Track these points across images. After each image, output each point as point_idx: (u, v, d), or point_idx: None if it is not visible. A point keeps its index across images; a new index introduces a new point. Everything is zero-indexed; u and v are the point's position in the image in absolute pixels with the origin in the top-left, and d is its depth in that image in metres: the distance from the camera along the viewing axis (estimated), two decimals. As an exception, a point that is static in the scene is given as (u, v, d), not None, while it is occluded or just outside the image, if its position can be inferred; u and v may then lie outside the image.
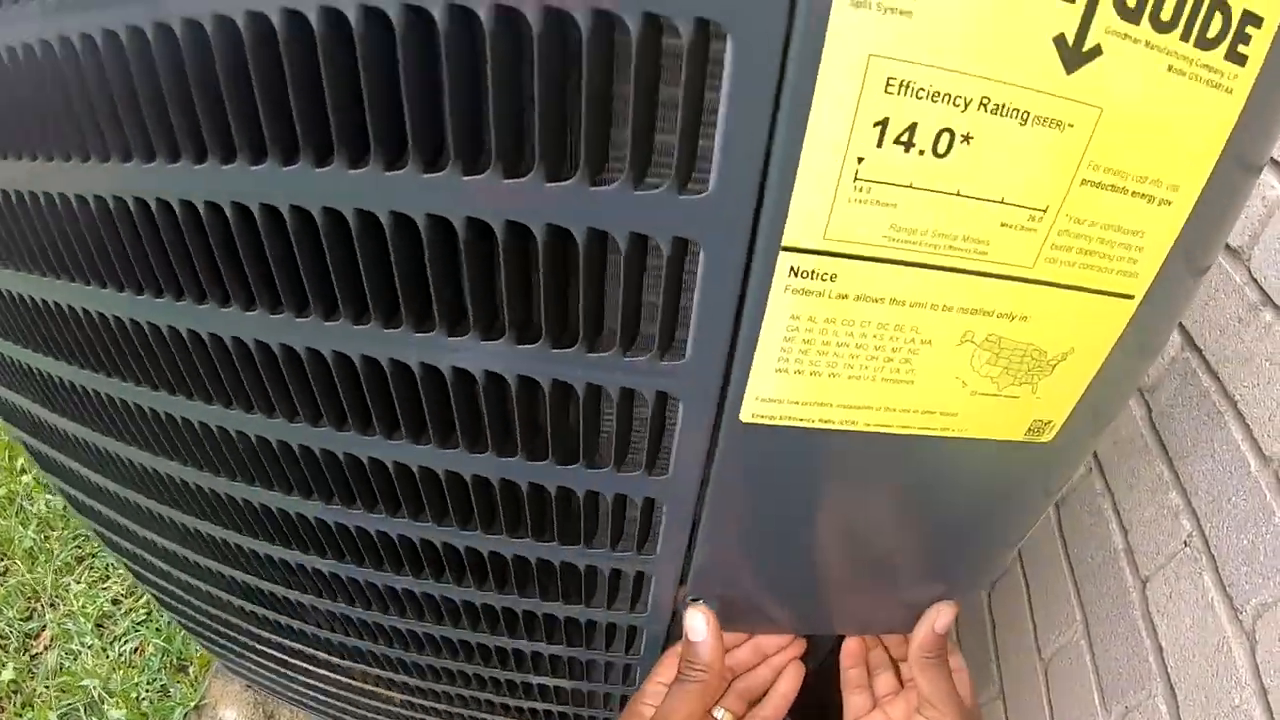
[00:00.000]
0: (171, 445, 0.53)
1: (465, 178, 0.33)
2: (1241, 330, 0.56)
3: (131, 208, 0.40)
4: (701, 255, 0.34)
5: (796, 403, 0.38)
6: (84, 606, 1.62)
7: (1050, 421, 0.42)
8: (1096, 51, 0.31)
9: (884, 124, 0.31)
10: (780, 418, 0.39)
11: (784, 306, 0.35)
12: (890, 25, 0.29)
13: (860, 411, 0.39)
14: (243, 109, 0.33)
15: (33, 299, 0.52)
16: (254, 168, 0.35)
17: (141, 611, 1.62)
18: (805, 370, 0.37)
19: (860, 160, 0.32)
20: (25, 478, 1.89)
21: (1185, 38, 0.31)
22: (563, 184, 0.32)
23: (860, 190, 0.32)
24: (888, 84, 0.30)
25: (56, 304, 0.50)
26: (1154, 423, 0.63)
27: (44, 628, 1.60)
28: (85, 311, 0.48)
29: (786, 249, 0.34)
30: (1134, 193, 0.34)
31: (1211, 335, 0.59)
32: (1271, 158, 0.53)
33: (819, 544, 0.47)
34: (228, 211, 0.37)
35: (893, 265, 0.34)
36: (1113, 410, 0.45)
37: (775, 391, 0.38)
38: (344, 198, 0.34)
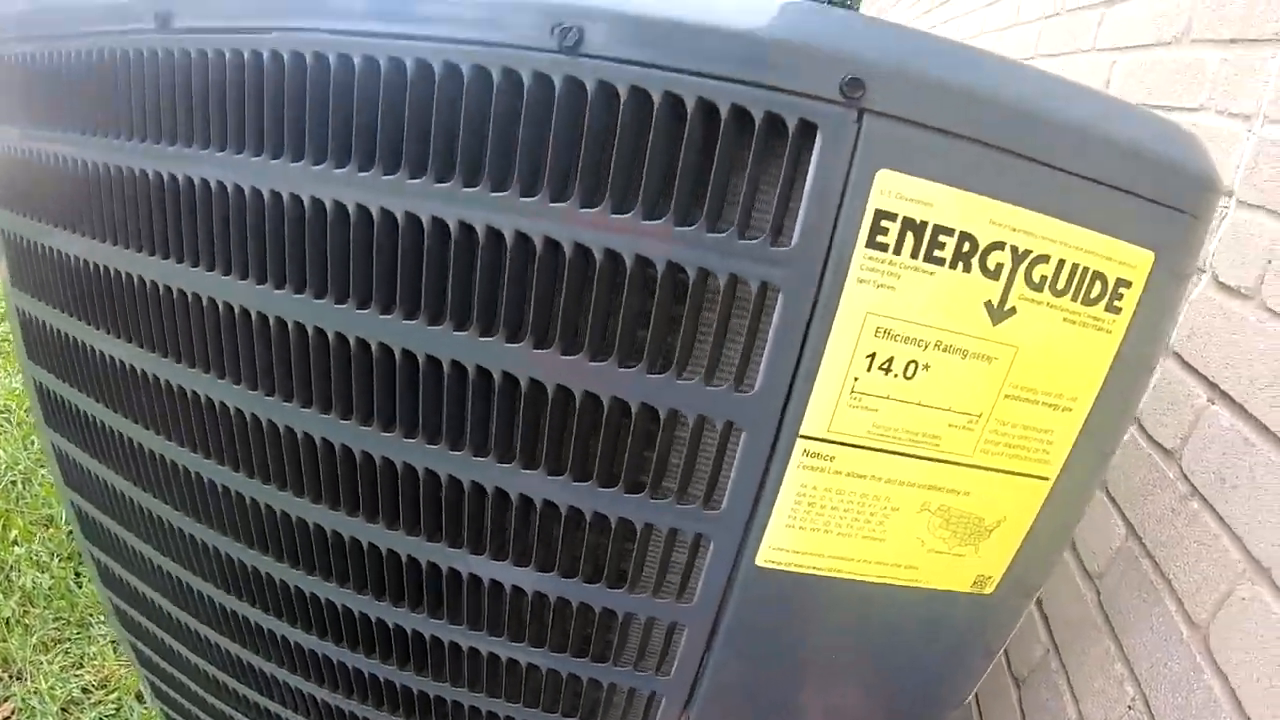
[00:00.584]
0: (224, 519, 0.64)
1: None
2: (1174, 519, 0.74)
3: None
4: (743, 436, 0.50)
5: (799, 552, 0.53)
6: (52, 688, 1.64)
7: (991, 576, 0.57)
8: (1013, 311, 0.49)
9: (873, 356, 0.48)
10: (785, 564, 0.54)
11: (797, 478, 0.51)
12: (881, 295, 0.47)
13: (846, 562, 0.54)
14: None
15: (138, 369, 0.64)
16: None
17: (110, 705, 1.64)
18: (808, 527, 0.52)
19: (856, 379, 0.49)
20: (18, 549, 1.95)
21: (1074, 299, 0.50)
22: (661, 376, 0.48)
23: (855, 399, 0.49)
24: (877, 331, 0.48)
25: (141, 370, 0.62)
26: (1102, 604, 0.79)
27: (7, 699, 1.63)
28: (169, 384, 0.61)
29: (803, 436, 0.50)
30: (1043, 403, 0.52)
31: (1150, 524, 0.76)
32: (1196, 370, 0.72)
33: (807, 680, 0.60)
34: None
35: (874, 451, 0.51)
36: (1040, 572, 0.61)
37: (785, 542, 0.53)
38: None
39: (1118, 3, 1.09)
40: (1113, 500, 0.80)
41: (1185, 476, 0.72)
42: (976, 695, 0.94)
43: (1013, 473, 0.54)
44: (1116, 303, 0.51)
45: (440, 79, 0.48)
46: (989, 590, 0.58)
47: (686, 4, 0.46)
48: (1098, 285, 0.50)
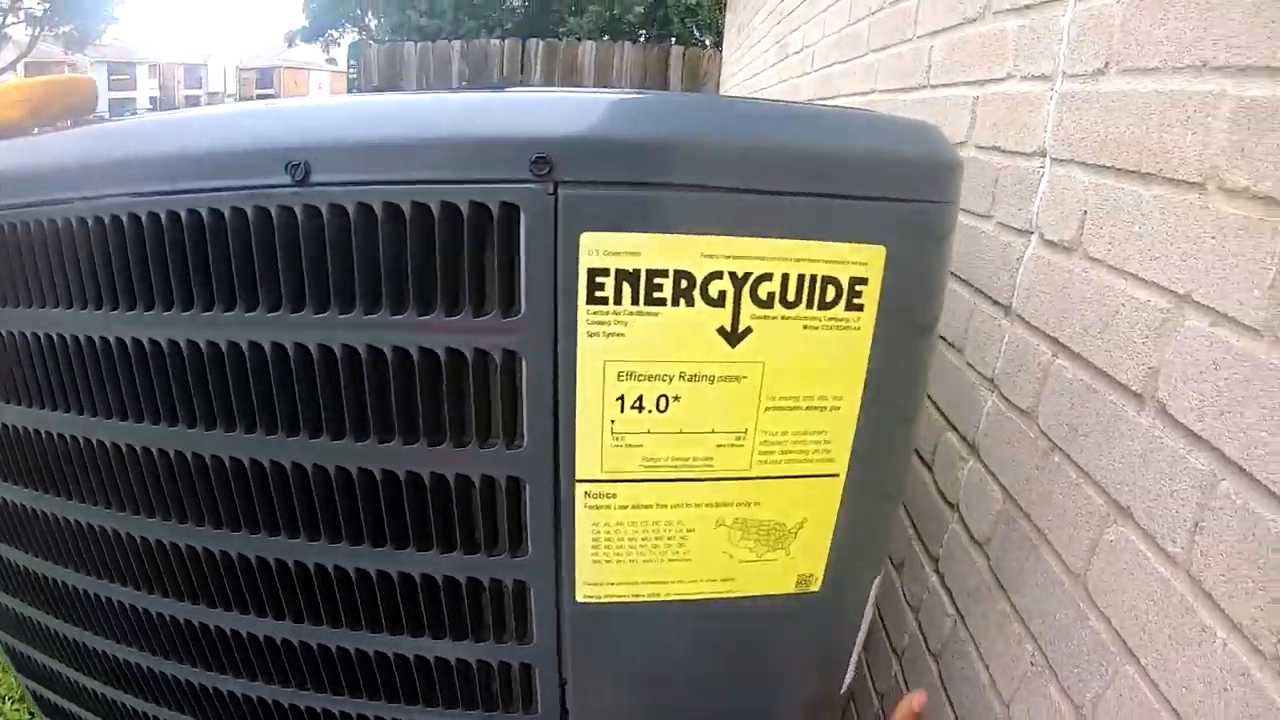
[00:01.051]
0: (140, 637, 0.73)
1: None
2: (1040, 475, 0.77)
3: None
4: (527, 488, 0.56)
5: (613, 584, 0.59)
6: None
7: (812, 574, 0.62)
8: (749, 331, 0.55)
9: (622, 398, 0.55)
10: (605, 596, 0.60)
11: (587, 518, 0.57)
12: (612, 343, 0.53)
13: (661, 585, 0.60)
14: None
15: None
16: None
17: None
18: (613, 560, 0.59)
19: (613, 421, 0.55)
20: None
21: (809, 306, 0.55)
22: (440, 446, 0.55)
23: (617, 439, 0.55)
24: (619, 375, 0.54)
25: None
26: (993, 569, 0.83)
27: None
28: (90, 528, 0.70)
29: (580, 480, 0.56)
30: (808, 407, 0.57)
31: (1020, 484, 0.80)
32: (1038, 329, 0.75)
33: (674, 695, 0.66)
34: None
35: (650, 483, 0.57)
36: (871, 560, 0.65)
37: (597, 577, 0.59)
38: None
39: (930, -11, 1.14)
40: (986, 467, 0.83)
41: (1044, 433, 0.76)
42: (904, 676, 0.97)
43: (798, 476, 0.59)
44: (856, 300, 0.56)
45: (210, 224, 0.56)
46: (816, 587, 0.63)
47: (388, 123, 0.54)
48: (831, 289, 0.56)
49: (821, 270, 0.55)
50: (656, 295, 0.53)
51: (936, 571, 0.90)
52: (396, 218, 0.53)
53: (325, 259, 0.54)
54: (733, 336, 0.55)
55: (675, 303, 0.54)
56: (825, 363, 0.57)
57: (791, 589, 0.63)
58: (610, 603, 0.60)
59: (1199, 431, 0.60)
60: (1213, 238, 0.62)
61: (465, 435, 0.57)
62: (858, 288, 0.56)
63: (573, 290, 0.53)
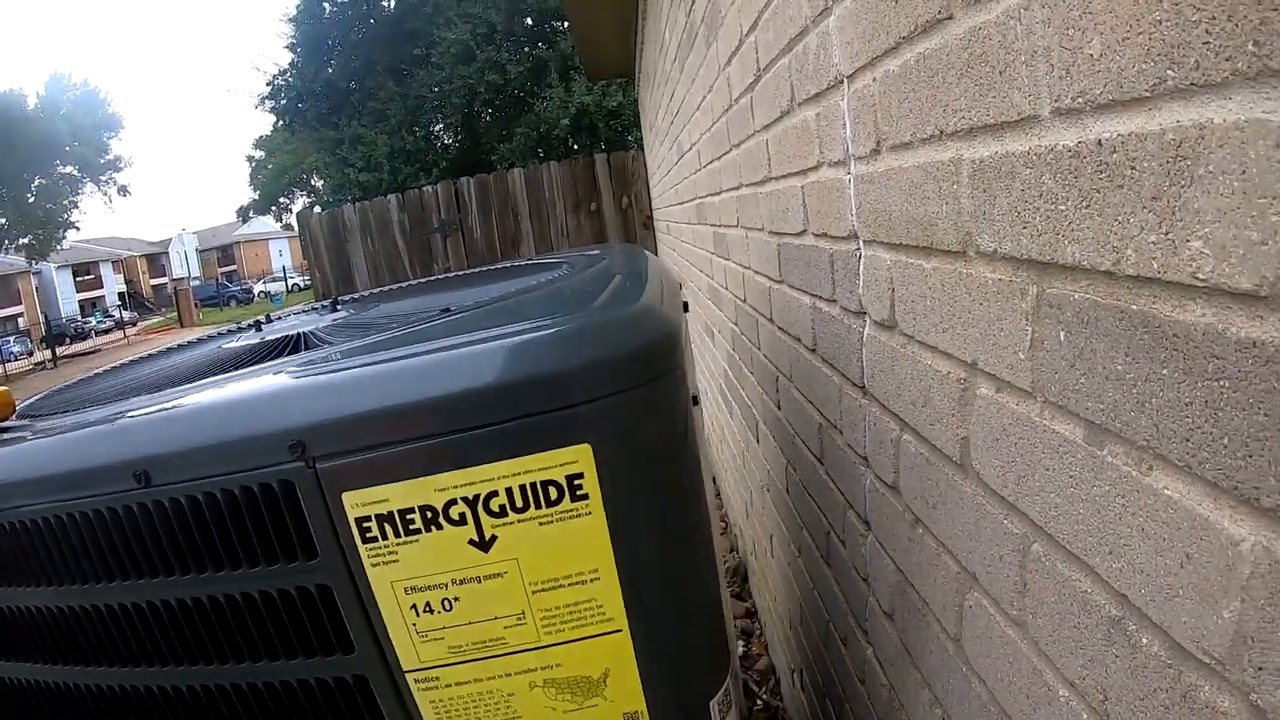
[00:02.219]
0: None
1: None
2: (912, 546, 0.83)
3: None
4: (370, 682, 0.74)
5: (467, 742, 0.76)
6: None
7: (637, 710, 0.75)
8: (495, 539, 0.69)
9: (415, 606, 0.71)
10: (465, 751, 0.76)
11: (425, 698, 0.74)
12: (392, 568, 0.70)
13: (505, 738, 0.75)
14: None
15: None
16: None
17: None
18: (459, 725, 0.75)
19: (414, 624, 0.72)
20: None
21: (538, 507, 0.69)
22: (294, 661, 0.74)
23: (423, 635, 0.72)
24: (406, 589, 0.71)
25: None
26: (901, 639, 0.88)
27: None
28: None
29: (407, 671, 0.73)
30: (571, 584, 0.70)
31: (901, 555, 0.85)
32: (885, 406, 0.82)
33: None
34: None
35: (460, 664, 0.73)
36: (699, 676, 0.76)
37: (451, 740, 0.76)
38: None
39: (756, 86, 1.15)
40: (879, 542, 0.88)
41: (908, 506, 0.81)
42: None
43: (585, 637, 0.72)
44: (579, 492, 0.69)
45: (81, 523, 0.79)
46: (646, 719, 0.75)
47: (189, 436, 0.74)
48: (552, 489, 0.68)
49: (537, 476, 0.68)
50: (411, 527, 0.69)
51: (869, 643, 0.96)
52: (213, 502, 0.73)
53: (176, 537, 0.75)
54: (483, 545, 0.69)
55: (427, 529, 0.69)
56: (571, 547, 0.70)
57: (623, 724, 0.75)
58: (471, 757, 0.76)
59: (1007, 497, 0.66)
60: (980, 304, 0.67)
61: (313, 651, 0.76)
62: (577, 482, 0.69)
63: (350, 535, 0.70)
